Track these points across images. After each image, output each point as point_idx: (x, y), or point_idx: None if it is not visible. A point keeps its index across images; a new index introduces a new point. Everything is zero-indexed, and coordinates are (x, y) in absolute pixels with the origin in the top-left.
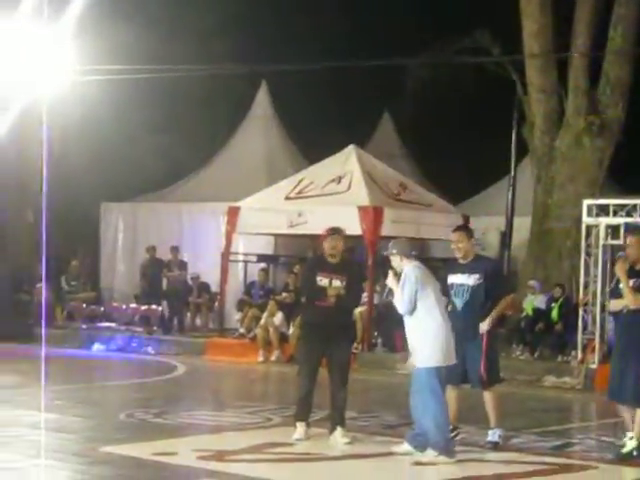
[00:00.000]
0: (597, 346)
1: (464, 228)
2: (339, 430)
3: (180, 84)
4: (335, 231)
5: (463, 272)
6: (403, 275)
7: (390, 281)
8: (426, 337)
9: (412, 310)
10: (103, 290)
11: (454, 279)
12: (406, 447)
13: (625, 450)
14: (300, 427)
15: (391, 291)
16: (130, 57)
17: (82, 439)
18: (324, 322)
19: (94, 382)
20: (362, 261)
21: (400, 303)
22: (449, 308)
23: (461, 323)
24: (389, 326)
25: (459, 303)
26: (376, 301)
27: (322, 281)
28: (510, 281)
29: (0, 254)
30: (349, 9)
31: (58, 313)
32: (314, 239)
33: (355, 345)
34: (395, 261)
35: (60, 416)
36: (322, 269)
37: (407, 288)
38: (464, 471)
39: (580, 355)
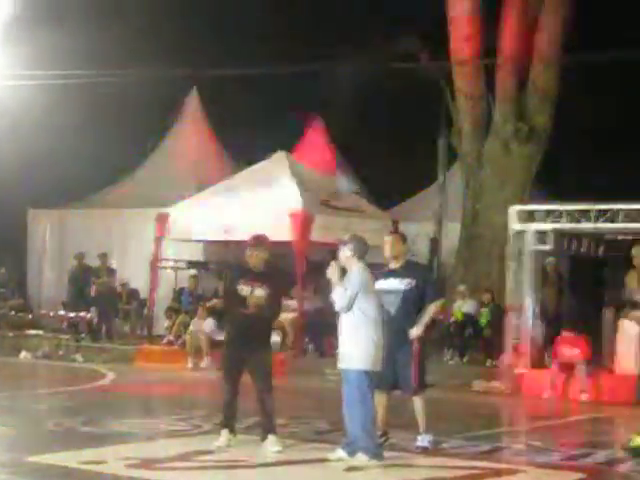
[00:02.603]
0: (526, 350)
1: (398, 232)
2: (270, 438)
3: (111, 88)
4: (258, 239)
5: (395, 277)
6: (349, 273)
7: (331, 272)
8: (359, 340)
9: (349, 309)
10: (31, 297)
11: (385, 284)
12: (340, 454)
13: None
14: (224, 434)
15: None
16: (60, 61)
17: (8, 448)
18: (244, 330)
19: (21, 390)
20: (291, 267)
21: (340, 299)
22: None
23: (392, 328)
24: (320, 332)
25: (390, 308)
26: (306, 307)
27: (243, 290)
28: (440, 286)
29: None
30: (281, 11)
31: None
32: (242, 246)
33: (288, 351)
34: (344, 256)
35: None
36: (244, 277)
37: (350, 288)
38: (395, 476)
39: (509, 360)
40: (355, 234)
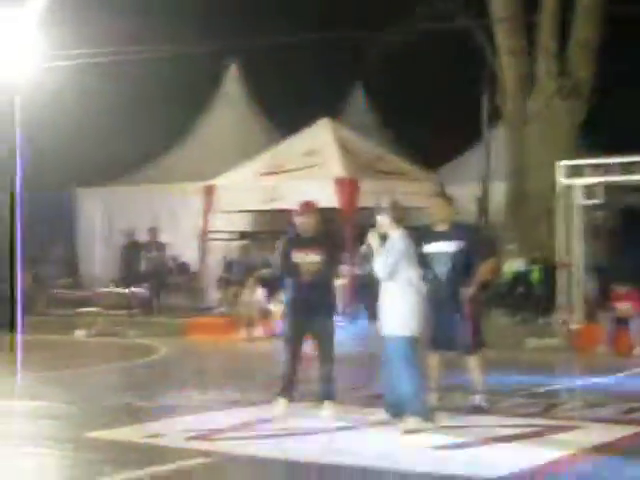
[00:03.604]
0: (578, 306)
1: (442, 195)
2: (327, 404)
3: (148, 65)
4: (307, 205)
5: (443, 239)
6: (389, 241)
7: (371, 238)
8: (402, 306)
9: (390, 277)
10: (82, 275)
11: (434, 247)
12: (382, 415)
13: None
14: (282, 402)
15: (366, 257)
16: (96, 40)
17: (68, 425)
18: (303, 297)
19: (77, 368)
20: (340, 233)
21: (382, 268)
22: (430, 276)
23: (444, 290)
24: (371, 296)
25: (440, 271)
26: (356, 272)
27: (297, 257)
28: (489, 246)
29: None
30: None
31: (39, 301)
32: (291, 214)
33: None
34: (383, 223)
35: (46, 403)
36: (296, 245)
37: (392, 256)
38: (451, 437)
39: (562, 316)
40: (393, 199)
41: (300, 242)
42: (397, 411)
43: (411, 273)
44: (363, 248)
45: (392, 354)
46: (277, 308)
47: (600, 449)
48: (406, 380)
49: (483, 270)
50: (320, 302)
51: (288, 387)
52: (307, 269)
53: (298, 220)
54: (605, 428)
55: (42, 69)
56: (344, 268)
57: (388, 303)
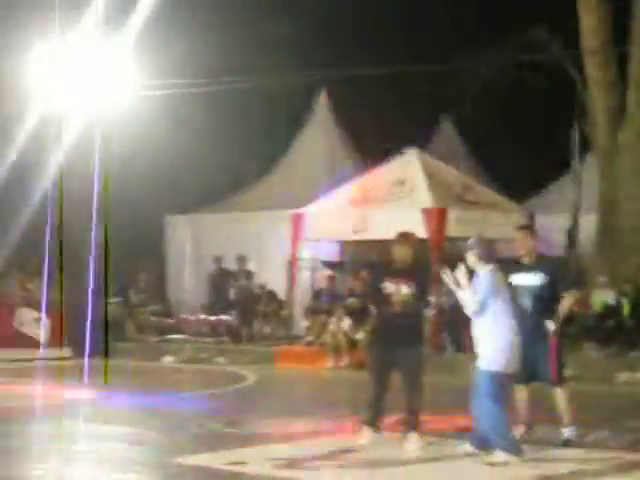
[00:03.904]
0: None
1: (528, 227)
2: (413, 435)
3: (239, 95)
4: (405, 236)
5: (528, 272)
6: (478, 278)
7: (460, 274)
8: (492, 341)
9: (480, 314)
10: (171, 302)
11: (519, 280)
12: (468, 448)
13: None
14: (368, 432)
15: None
16: (188, 71)
17: (155, 451)
18: (391, 328)
19: (165, 393)
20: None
21: (471, 305)
22: (516, 310)
23: (529, 323)
24: (457, 327)
25: (526, 303)
26: (443, 302)
27: (388, 287)
28: (576, 279)
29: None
30: (405, 11)
31: (129, 327)
32: (379, 243)
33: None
34: (471, 260)
35: (136, 429)
36: (389, 275)
37: (480, 293)
38: (540, 470)
39: None
40: (480, 236)
41: (392, 272)
42: (482, 443)
43: (500, 308)
44: (456, 277)
45: (479, 388)
46: (364, 338)
47: None
48: (490, 415)
49: (567, 302)
50: (409, 333)
51: (374, 417)
52: (398, 299)
53: (393, 249)
54: None
55: (137, 99)
56: (430, 298)
57: (478, 337)
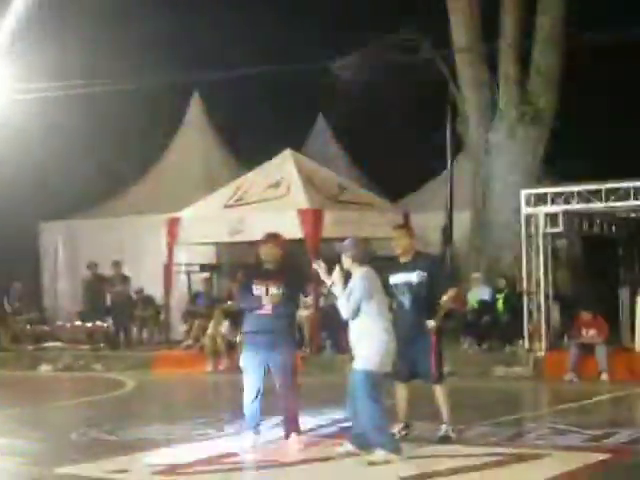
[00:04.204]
0: (543, 333)
1: (404, 226)
2: (292, 436)
3: (112, 98)
4: (270, 237)
5: (406, 270)
6: (352, 281)
7: (336, 276)
8: (366, 341)
9: (353, 316)
10: (47, 310)
11: (397, 279)
12: (347, 446)
13: None
14: (248, 436)
15: (331, 289)
16: (62, 74)
17: (35, 461)
18: (263, 330)
19: (43, 403)
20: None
21: (344, 308)
22: (394, 306)
23: (409, 321)
24: (336, 328)
25: (405, 302)
26: (322, 304)
27: (258, 289)
28: (453, 275)
29: None
30: (277, 11)
31: (3, 336)
32: (255, 246)
33: (304, 349)
34: (346, 262)
35: (13, 440)
36: (258, 277)
37: (354, 296)
38: (419, 467)
39: (527, 344)
40: (355, 237)
41: (262, 274)
42: (363, 443)
43: (374, 309)
44: (332, 279)
45: (355, 387)
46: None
47: (565, 477)
48: (367, 414)
49: (446, 300)
50: (279, 334)
51: (253, 420)
52: (268, 301)
53: (261, 251)
54: (571, 456)
55: (7, 103)
56: (308, 300)
57: (354, 338)
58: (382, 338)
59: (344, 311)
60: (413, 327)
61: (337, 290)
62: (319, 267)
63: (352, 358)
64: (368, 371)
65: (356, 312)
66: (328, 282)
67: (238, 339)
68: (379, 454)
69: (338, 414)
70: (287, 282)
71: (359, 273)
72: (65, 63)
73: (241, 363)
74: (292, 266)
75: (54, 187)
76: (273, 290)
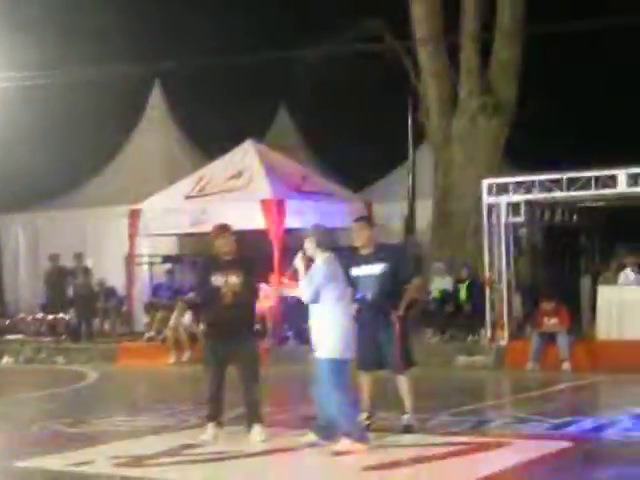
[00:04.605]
0: (505, 323)
1: (364, 219)
2: (255, 428)
3: (72, 88)
4: (222, 228)
5: (368, 263)
6: (313, 266)
7: (297, 262)
8: (328, 329)
9: (315, 301)
10: (8, 302)
11: (359, 271)
12: (311, 437)
13: None
14: (210, 427)
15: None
16: (19, 65)
17: None
18: (224, 320)
19: (4, 395)
20: (268, 255)
21: (305, 292)
22: (357, 297)
23: (372, 312)
24: (299, 319)
25: (367, 293)
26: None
27: (217, 280)
28: (415, 265)
29: None
30: (240, 2)
31: None
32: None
33: (267, 340)
34: (309, 247)
35: None
36: (216, 268)
37: (314, 280)
38: (383, 457)
39: (490, 333)
40: (318, 224)
41: (220, 264)
42: (327, 433)
43: (334, 295)
44: (292, 268)
45: (320, 376)
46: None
47: (527, 466)
48: (334, 402)
49: (410, 290)
50: (241, 324)
51: (215, 412)
52: (227, 290)
53: (215, 243)
54: (534, 444)
55: None
56: (269, 289)
57: (316, 326)
58: (343, 324)
59: (305, 295)
60: (377, 317)
61: (300, 276)
62: (299, 264)
63: (313, 348)
64: (332, 359)
65: (316, 297)
66: (301, 274)
67: (200, 330)
68: (344, 443)
69: (301, 405)
70: (245, 270)
71: (321, 258)
72: (23, 54)
73: (203, 355)
74: (247, 255)
75: (13, 179)
76: (232, 280)
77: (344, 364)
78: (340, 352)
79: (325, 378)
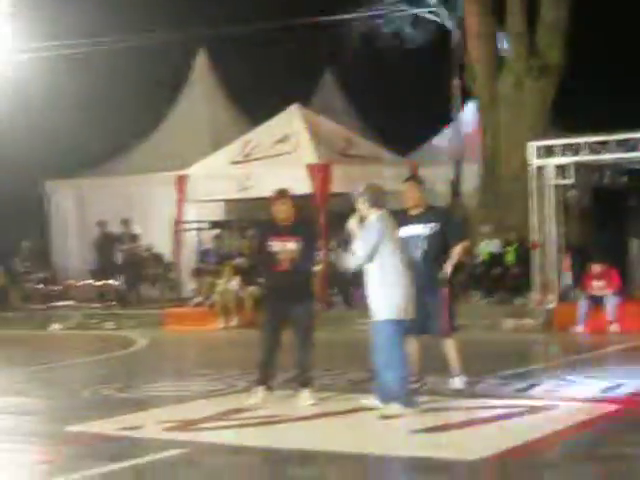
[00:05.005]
0: (554, 286)
1: (414, 178)
2: (305, 391)
3: (117, 57)
4: (282, 193)
5: (417, 222)
6: (367, 223)
7: (352, 224)
8: (386, 290)
9: (370, 260)
10: (57, 269)
11: (408, 231)
12: (374, 401)
13: None
14: (260, 391)
15: (346, 243)
16: (62, 34)
17: (48, 419)
18: (282, 286)
19: (55, 362)
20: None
21: (361, 251)
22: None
23: (419, 273)
24: (346, 283)
25: (416, 254)
26: (331, 258)
27: (274, 246)
28: (463, 228)
29: None
30: None
31: (13, 296)
32: (265, 201)
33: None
34: (362, 207)
35: (24, 399)
36: (274, 233)
37: (370, 238)
38: (432, 421)
39: (538, 296)
40: (370, 183)
41: (277, 230)
42: (384, 396)
43: (391, 254)
44: (346, 231)
45: (378, 338)
46: (252, 297)
47: (575, 429)
48: (394, 365)
49: (457, 251)
50: (298, 290)
51: (267, 375)
52: (285, 257)
53: (273, 208)
54: (580, 407)
55: (9, 63)
56: (320, 255)
57: (372, 288)
58: (402, 283)
59: (359, 253)
60: (424, 280)
61: (355, 238)
62: (353, 226)
63: (366, 311)
64: (393, 320)
65: (372, 255)
66: (356, 234)
67: (247, 296)
68: (394, 407)
69: (349, 369)
70: (303, 238)
71: (375, 216)
72: (68, 22)
73: (262, 319)
74: (307, 222)
75: (61, 146)
76: (290, 246)
77: (401, 325)
78: (400, 312)
79: (382, 341)
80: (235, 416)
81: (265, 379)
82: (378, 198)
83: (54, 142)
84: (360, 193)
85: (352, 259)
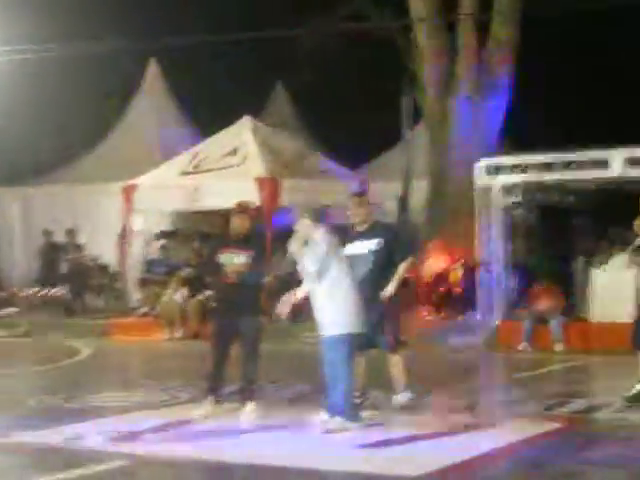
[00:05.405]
0: (498, 304)
1: (362, 193)
2: (250, 404)
3: (68, 63)
4: (243, 207)
5: (363, 239)
6: (314, 239)
7: (294, 247)
8: (335, 304)
9: (321, 273)
10: (2, 277)
11: (354, 247)
12: (323, 416)
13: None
14: (207, 403)
15: (291, 261)
16: (14, 38)
17: None
18: (230, 298)
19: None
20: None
21: (311, 264)
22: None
23: (365, 289)
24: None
25: (361, 270)
26: (278, 272)
27: (223, 258)
28: (410, 244)
29: None
30: None
31: None
32: (212, 213)
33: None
34: (303, 227)
35: None
36: (224, 245)
37: (316, 252)
38: (376, 436)
39: (481, 314)
40: (309, 202)
41: (229, 242)
42: (330, 410)
43: (338, 269)
44: (291, 249)
45: (330, 353)
46: (196, 308)
47: (519, 445)
48: (340, 378)
49: (403, 268)
50: (246, 303)
51: (215, 387)
52: (231, 270)
53: (235, 221)
54: (525, 425)
55: None
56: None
57: (320, 303)
58: (350, 297)
59: (311, 267)
60: (370, 295)
61: (300, 255)
62: (295, 240)
63: (315, 325)
64: (343, 335)
65: (324, 268)
66: (299, 253)
67: (192, 307)
68: (337, 421)
69: (293, 382)
70: (254, 250)
71: (320, 232)
72: (17, 27)
73: (211, 331)
74: (256, 235)
75: (8, 154)
76: (239, 259)
77: (351, 339)
78: (349, 326)
79: (332, 356)
80: (178, 428)
81: (213, 391)
82: (320, 215)
83: (3, 150)
84: (302, 214)
85: (306, 277)
